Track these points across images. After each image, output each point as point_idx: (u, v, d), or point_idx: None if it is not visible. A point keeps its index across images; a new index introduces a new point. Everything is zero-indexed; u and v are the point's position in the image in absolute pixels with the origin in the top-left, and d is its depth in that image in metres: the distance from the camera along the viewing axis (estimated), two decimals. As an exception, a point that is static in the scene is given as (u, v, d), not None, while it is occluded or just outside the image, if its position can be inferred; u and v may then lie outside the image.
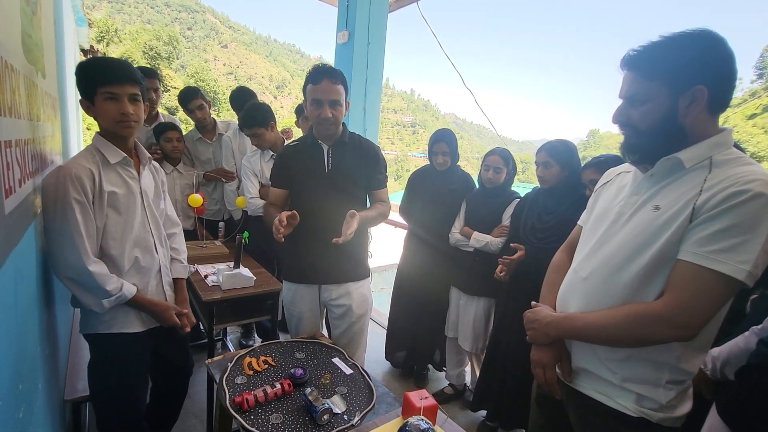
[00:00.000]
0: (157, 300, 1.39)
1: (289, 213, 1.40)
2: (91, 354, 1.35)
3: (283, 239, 1.37)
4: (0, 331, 0.77)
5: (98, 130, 1.29)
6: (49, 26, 1.62)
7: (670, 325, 0.82)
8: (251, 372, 1.34)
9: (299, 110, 2.90)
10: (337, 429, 1.11)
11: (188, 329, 1.47)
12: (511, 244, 1.86)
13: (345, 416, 1.17)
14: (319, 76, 1.48)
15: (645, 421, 0.91)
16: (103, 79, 1.21)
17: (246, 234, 2.05)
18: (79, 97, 1.26)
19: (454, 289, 2.26)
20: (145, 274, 1.36)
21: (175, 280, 1.51)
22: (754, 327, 1.06)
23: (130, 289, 1.28)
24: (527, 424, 1.33)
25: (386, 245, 3.46)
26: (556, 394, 1.02)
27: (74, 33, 4.93)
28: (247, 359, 1.39)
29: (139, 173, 1.35)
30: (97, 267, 1.20)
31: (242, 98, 2.71)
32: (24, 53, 1.05)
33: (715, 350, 1.13)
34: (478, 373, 2.21)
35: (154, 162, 1.48)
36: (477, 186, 2.28)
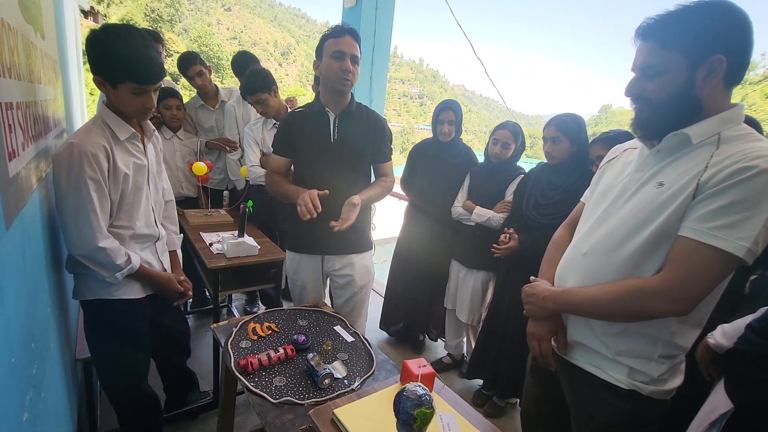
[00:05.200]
0: (161, 272, 1.43)
1: (322, 192, 1.45)
2: (89, 319, 1.36)
3: (308, 218, 1.40)
4: (10, 292, 0.79)
5: (105, 101, 1.24)
6: (46, -16, 1.57)
7: (666, 299, 0.83)
8: (255, 337, 1.38)
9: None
10: (337, 392, 1.16)
11: (191, 293, 1.52)
12: (504, 230, 1.87)
13: (345, 381, 1.21)
14: (342, 31, 1.49)
15: (635, 393, 0.93)
16: (136, 78, 1.16)
17: (250, 203, 2.06)
18: (86, 65, 1.21)
19: (454, 261, 2.28)
20: (147, 245, 1.40)
21: (169, 252, 1.55)
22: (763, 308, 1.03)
23: (137, 261, 1.31)
24: (521, 394, 1.37)
25: (389, 218, 3.46)
26: (551, 366, 1.05)
27: (73, -8, 4.77)
28: (252, 325, 1.43)
29: (144, 147, 1.34)
30: (109, 242, 1.21)
31: (244, 63, 2.65)
32: (21, 11, 1.02)
33: (726, 326, 1.11)
34: (473, 345, 2.27)
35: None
36: (479, 160, 2.25)
